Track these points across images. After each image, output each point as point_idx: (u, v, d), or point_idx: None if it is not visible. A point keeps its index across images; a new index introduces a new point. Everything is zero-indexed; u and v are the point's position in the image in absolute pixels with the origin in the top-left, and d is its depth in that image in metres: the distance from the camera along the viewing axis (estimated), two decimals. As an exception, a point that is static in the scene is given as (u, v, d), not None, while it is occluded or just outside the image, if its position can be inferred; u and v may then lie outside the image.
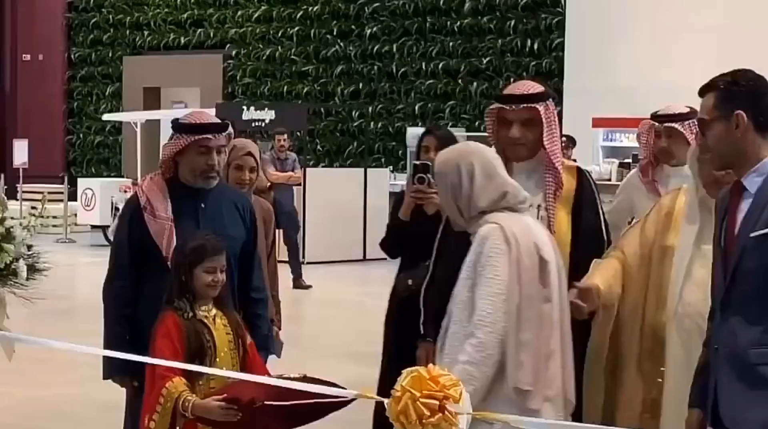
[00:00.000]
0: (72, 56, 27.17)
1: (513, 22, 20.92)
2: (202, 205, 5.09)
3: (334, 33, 23.10)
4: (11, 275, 3.81)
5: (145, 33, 25.99)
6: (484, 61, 21.21)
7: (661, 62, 17.01)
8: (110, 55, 26.59)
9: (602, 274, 4.65)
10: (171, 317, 4.58)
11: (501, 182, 4.28)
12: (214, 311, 4.67)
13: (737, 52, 16.17)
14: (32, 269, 4.24)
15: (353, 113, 22.64)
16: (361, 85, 22.69)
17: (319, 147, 22.70)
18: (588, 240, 4.86)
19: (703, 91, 3.91)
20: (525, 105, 4.82)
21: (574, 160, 10.45)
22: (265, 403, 4.26)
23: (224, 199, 5.20)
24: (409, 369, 3.37)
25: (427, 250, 5.06)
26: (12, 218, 3.96)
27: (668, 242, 4.68)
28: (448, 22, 21.66)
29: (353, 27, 22.91)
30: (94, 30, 26.80)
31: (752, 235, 3.70)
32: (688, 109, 6.06)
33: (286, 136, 15.51)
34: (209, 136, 5.02)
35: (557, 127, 4.91)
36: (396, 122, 22.07)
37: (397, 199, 5.99)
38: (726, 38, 16.31)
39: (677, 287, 4.55)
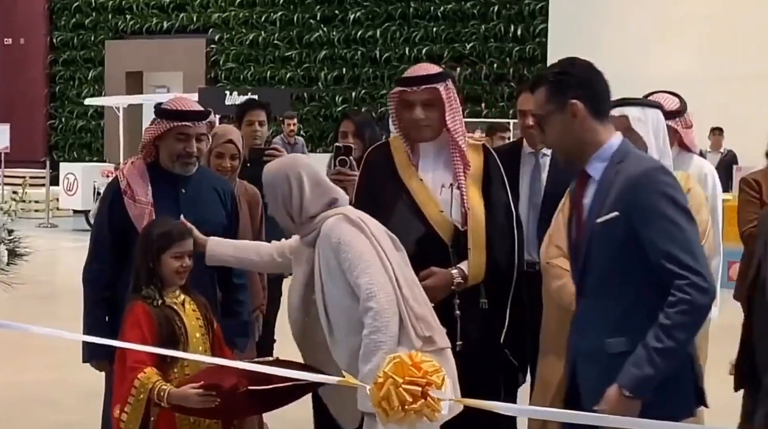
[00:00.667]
0: (54, 40, 27.06)
1: (496, 8, 20.90)
2: (183, 190, 5.08)
3: (318, 18, 23.05)
4: None
5: (128, 17, 25.91)
6: (468, 47, 21.19)
7: (645, 48, 17.02)
8: (92, 39, 26.50)
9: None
10: (140, 306, 4.51)
11: (329, 188, 4.45)
12: (182, 297, 4.63)
13: (723, 38, 16.22)
14: (13, 254, 4.22)
15: (336, 98, 22.61)
16: (344, 70, 22.65)
17: (302, 132, 22.64)
18: (499, 214, 4.90)
19: (533, 87, 3.86)
20: (426, 86, 4.87)
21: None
22: (249, 388, 4.23)
23: (205, 184, 5.19)
24: (391, 355, 3.36)
25: None
26: None
27: None
28: (432, 8, 21.63)
29: (336, 12, 22.86)
30: (76, 14, 26.70)
31: (598, 221, 3.65)
32: (678, 104, 6.04)
33: (295, 119, 15.53)
34: (189, 123, 5.01)
35: (459, 107, 4.98)
36: (379, 107, 22.04)
37: None
38: (711, 25, 16.33)
39: None
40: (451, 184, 4.87)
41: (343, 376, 3.39)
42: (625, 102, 4.74)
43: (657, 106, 4.83)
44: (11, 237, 4.22)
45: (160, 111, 5.09)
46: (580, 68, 3.81)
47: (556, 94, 3.75)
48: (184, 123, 5.01)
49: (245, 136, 7.54)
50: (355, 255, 4.14)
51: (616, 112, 4.53)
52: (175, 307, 4.60)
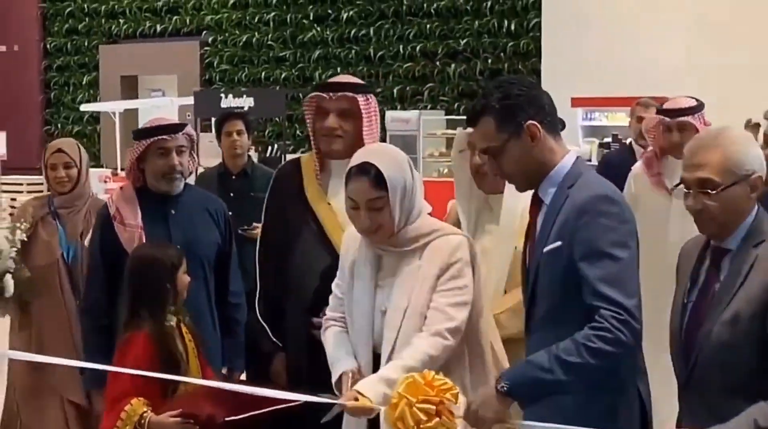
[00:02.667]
0: (48, 46, 27.01)
1: (489, 3, 20.87)
2: (172, 211, 5.10)
3: (311, 17, 23.02)
4: None
5: (121, 21, 25.85)
6: (462, 43, 21.17)
7: (638, 40, 17.02)
8: (86, 44, 26.44)
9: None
10: (141, 338, 4.44)
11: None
12: (173, 319, 4.61)
13: (714, 30, 16.21)
14: (21, 284, 4.18)
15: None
16: (339, 69, 22.60)
17: (298, 132, 22.62)
18: None
19: (474, 119, 3.62)
20: (343, 93, 4.61)
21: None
22: (225, 420, 4.16)
23: (195, 204, 5.17)
24: (405, 375, 3.37)
25: None
26: None
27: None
28: (425, 4, 21.60)
29: (330, 11, 22.83)
30: (70, 19, 26.65)
31: (545, 250, 3.51)
32: (695, 101, 6.07)
33: None
34: (166, 136, 5.03)
35: (377, 123, 4.68)
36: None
37: None
38: (703, 16, 16.33)
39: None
40: None
41: None
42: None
43: None
44: (18, 265, 4.19)
45: (136, 133, 5.13)
46: (523, 87, 3.62)
47: (507, 120, 3.55)
48: (161, 137, 5.02)
49: (225, 148, 7.56)
50: (459, 284, 3.85)
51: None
52: (176, 329, 4.60)
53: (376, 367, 3.86)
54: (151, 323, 4.49)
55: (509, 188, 4.33)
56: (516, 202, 4.36)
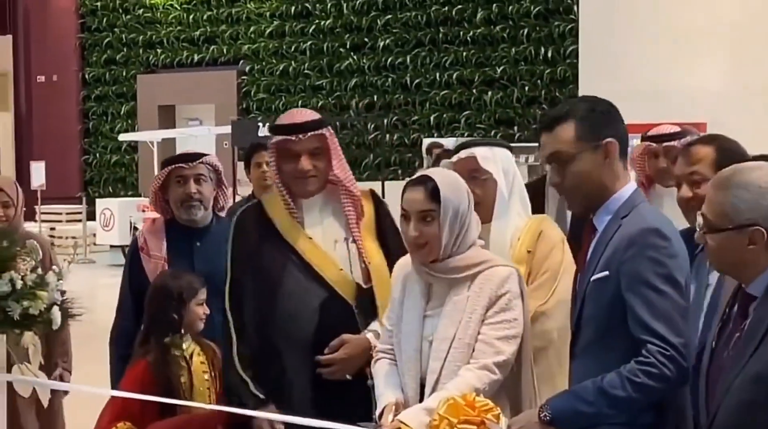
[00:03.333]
0: (86, 76, 27.23)
1: (526, 31, 20.89)
2: (197, 243, 5.15)
3: (347, 46, 23.10)
4: (45, 322, 3.78)
5: (158, 51, 26.04)
6: (498, 70, 21.17)
7: (676, 66, 16.95)
8: (124, 74, 26.64)
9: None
10: (142, 366, 4.58)
11: None
12: (192, 347, 4.67)
13: (753, 53, 16.12)
14: (66, 315, 4.20)
15: (368, 126, 22.62)
16: (375, 97, 22.68)
17: (335, 160, 22.66)
18: None
19: (553, 123, 3.56)
20: (313, 133, 4.46)
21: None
22: None
23: (222, 236, 5.14)
24: (445, 396, 3.36)
25: None
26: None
27: None
28: (461, 32, 21.63)
29: (366, 39, 22.90)
30: (108, 49, 26.86)
31: (592, 279, 3.48)
32: (679, 128, 5.94)
33: (441, 150, 15.13)
34: (183, 164, 5.14)
35: (342, 154, 4.59)
36: (412, 133, 22.03)
37: None
38: (741, 39, 16.25)
39: None
40: (346, 238, 4.48)
41: None
42: (472, 143, 4.55)
43: (506, 146, 4.60)
44: (64, 297, 4.20)
45: (160, 164, 5.30)
46: (608, 106, 3.58)
47: (588, 131, 3.51)
48: (177, 165, 5.14)
49: (254, 179, 7.53)
50: (508, 317, 3.81)
51: (463, 153, 4.43)
52: (185, 359, 4.63)
53: (422, 397, 3.81)
54: (156, 351, 4.57)
55: (496, 218, 4.41)
56: (504, 231, 4.37)
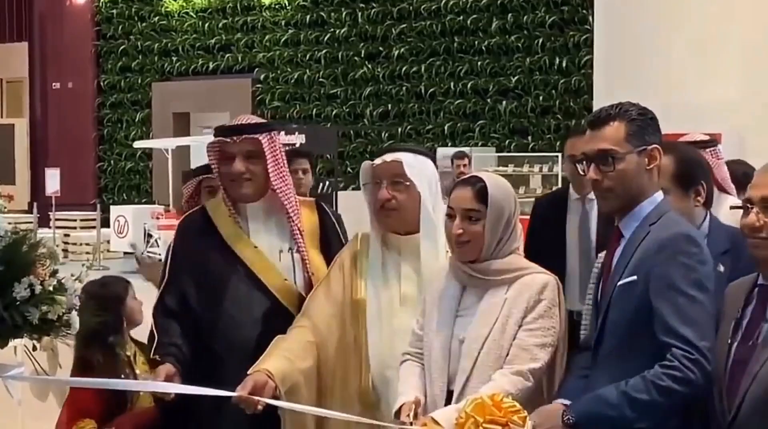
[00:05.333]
0: (101, 83, 27.30)
1: (541, 40, 20.89)
2: None
3: (362, 55, 23.13)
4: (64, 327, 3.81)
5: (174, 59, 26.10)
6: (513, 80, 21.18)
7: (693, 77, 16.93)
8: (139, 81, 26.71)
9: (278, 353, 4.19)
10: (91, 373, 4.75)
11: None
12: (133, 348, 4.81)
13: (760, 68, 16.10)
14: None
15: (383, 134, 22.65)
16: (390, 106, 22.70)
17: (349, 169, 22.69)
18: None
19: (604, 121, 3.59)
20: (246, 136, 4.51)
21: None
22: None
23: None
24: (472, 396, 3.38)
25: None
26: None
27: (359, 296, 4.32)
28: (476, 42, 21.64)
29: (381, 48, 22.93)
30: (123, 57, 26.93)
31: (619, 283, 3.49)
32: (708, 137, 5.88)
33: (466, 160, 15.21)
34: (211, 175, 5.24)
35: (284, 164, 4.58)
36: (426, 142, 22.03)
37: None
38: (756, 50, 16.23)
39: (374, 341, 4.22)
40: (290, 248, 4.53)
41: None
42: (398, 148, 4.43)
43: (429, 155, 4.50)
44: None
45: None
46: (653, 114, 3.63)
47: (639, 134, 3.55)
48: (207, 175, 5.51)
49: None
50: (546, 325, 3.81)
51: (389, 157, 4.31)
52: (129, 360, 4.80)
53: (449, 400, 3.81)
54: (101, 353, 4.83)
55: (425, 237, 4.22)
56: (436, 255, 4.21)
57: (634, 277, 3.46)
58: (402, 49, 22.57)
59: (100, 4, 27.16)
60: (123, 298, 4.91)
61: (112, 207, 21.97)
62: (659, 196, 3.61)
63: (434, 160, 4.51)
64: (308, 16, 23.95)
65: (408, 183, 4.27)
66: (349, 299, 4.34)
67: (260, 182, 4.54)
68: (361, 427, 4.00)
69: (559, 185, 17.09)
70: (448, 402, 3.80)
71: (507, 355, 3.78)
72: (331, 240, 4.67)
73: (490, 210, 3.86)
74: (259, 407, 3.94)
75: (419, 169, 4.31)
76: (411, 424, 3.66)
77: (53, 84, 27.79)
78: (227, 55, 25.24)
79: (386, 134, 22.57)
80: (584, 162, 3.64)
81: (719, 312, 3.52)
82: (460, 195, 3.90)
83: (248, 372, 4.06)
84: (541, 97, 20.86)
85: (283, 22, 24.44)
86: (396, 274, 4.30)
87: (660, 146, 3.58)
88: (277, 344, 4.25)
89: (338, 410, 4.10)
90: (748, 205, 3.39)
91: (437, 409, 3.75)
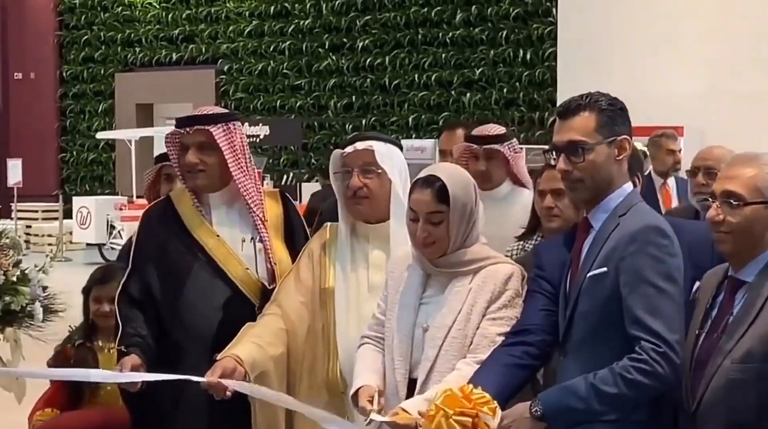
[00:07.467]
0: (64, 74, 27.15)
1: (505, 33, 20.93)
2: None
3: (326, 46, 23.10)
4: (27, 317, 3.79)
5: (137, 50, 25.98)
6: (477, 72, 21.21)
7: (655, 70, 16.99)
8: (102, 72, 26.58)
9: (248, 340, 4.18)
10: (64, 352, 5.15)
11: None
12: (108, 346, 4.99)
13: (729, 57, 16.19)
14: (48, 311, 4.22)
15: (347, 126, 22.64)
16: (354, 97, 22.69)
17: (313, 161, 22.67)
18: None
19: (573, 111, 3.55)
20: (198, 127, 4.48)
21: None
22: None
23: None
24: (443, 388, 3.38)
25: None
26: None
27: (327, 284, 4.32)
28: (440, 34, 21.66)
29: (345, 40, 22.91)
30: (86, 47, 26.78)
31: (589, 274, 3.47)
32: (504, 130, 5.80)
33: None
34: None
35: (244, 153, 4.53)
36: (390, 134, 22.00)
37: None
38: (717, 43, 16.31)
39: (342, 329, 4.22)
40: (252, 238, 4.51)
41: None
42: (368, 136, 4.41)
43: (398, 144, 4.46)
44: (46, 294, 4.22)
45: None
46: (623, 105, 3.61)
47: (608, 124, 3.53)
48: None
49: None
50: (510, 314, 3.78)
51: (360, 145, 4.29)
52: (103, 351, 5.04)
53: (411, 387, 3.80)
54: (78, 353, 5.15)
55: (396, 218, 4.21)
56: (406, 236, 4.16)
57: (605, 269, 3.44)
58: (366, 41, 22.57)
59: (63, -6, 27.05)
60: (87, 289, 5.11)
61: (74, 198, 21.84)
62: (628, 187, 3.60)
63: (401, 149, 4.49)
64: (272, 7, 23.90)
65: (380, 171, 4.26)
66: (318, 287, 4.33)
67: (216, 173, 4.51)
68: (331, 411, 3.99)
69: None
70: (410, 389, 3.80)
71: (470, 344, 3.77)
72: (295, 229, 4.65)
73: (452, 209, 3.83)
74: (228, 393, 3.94)
75: (389, 157, 4.30)
76: (379, 412, 3.65)
77: (15, 74, 27.60)
78: (191, 45, 25.15)
79: (350, 126, 22.55)
80: (554, 152, 3.61)
81: (694, 299, 3.55)
82: (421, 198, 3.86)
83: (217, 357, 4.06)
84: (505, 89, 20.90)
85: (247, 13, 24.37)
86: (364, 263, 4.30)
87: (629, 137, 3.57)
88: (247, 330, 4.22)
89: (306, 398, 4.11)
90: (710, 199, 3.40)
91: (399, 397, 3.76)
